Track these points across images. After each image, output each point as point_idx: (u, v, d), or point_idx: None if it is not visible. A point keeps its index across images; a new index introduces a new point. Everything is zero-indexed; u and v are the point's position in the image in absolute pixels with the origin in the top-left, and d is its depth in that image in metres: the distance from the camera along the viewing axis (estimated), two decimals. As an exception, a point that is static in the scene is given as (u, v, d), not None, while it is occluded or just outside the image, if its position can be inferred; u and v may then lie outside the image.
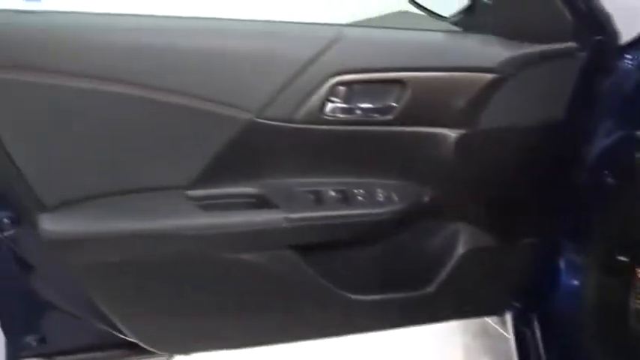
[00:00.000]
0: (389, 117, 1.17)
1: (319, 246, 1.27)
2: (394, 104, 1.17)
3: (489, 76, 1.16)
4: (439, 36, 1.21)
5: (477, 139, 1.22)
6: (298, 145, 1.19)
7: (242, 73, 1.11)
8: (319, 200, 1.22)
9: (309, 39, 1.14)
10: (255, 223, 1.19)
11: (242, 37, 1.14)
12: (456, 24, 1.30)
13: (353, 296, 1.32)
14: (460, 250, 1.36)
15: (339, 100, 1.15)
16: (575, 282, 1.38)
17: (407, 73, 1.15)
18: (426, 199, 1.28)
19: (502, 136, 1.23)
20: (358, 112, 1.17)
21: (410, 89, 1.15)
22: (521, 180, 1.30)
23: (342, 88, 1.14)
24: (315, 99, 1.13)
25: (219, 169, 1.16)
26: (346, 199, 1.24)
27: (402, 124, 1.19)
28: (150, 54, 1.07)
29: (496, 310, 1.59)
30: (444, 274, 1.36)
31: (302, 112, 1.13)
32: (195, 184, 1.17)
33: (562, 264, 1.39)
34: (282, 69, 1.12)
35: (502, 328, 1.85)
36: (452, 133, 1.21)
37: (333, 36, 1.13)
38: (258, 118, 1.12)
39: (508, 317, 1.58)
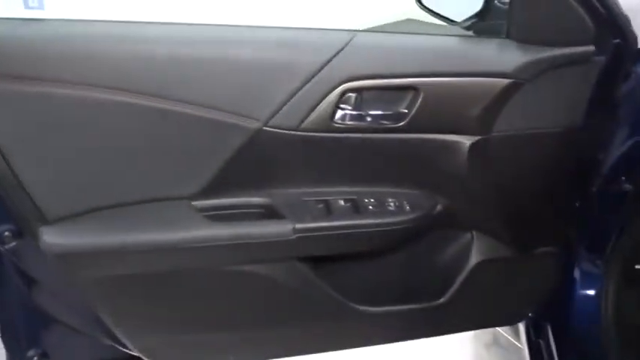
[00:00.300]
0: (401, 124, 1.15)
1: (329, 257, 1.25)
2: (406, 111, 1.14)
3: (505, 81, 1.13)
4: (452, 41, 1.19)
5: (492, 146, 1.19)
6: (307, 153, 1.16)
7: (250, 81, 1.09)
8: (329, 210, 1.20)
9: (318, 45, 1.12)
10: (263, 234, 1.16)
11: (250, 44, 1.11)
12: (468, 29, 1.27)
13: (364, 308, 1.29)
14: (474, 260, 1.33)
15: (349, 108, 1.12)
16: (592, 292, 1.36)
17: (419, 78, 1.13)
18: (439, 208, 1.25)
19: (517, 142, 1.21)
20: (369, 119, 1.14)
21: (422, 95, 1.13)
22: (537, 188, 1.28)
23: (352, 95, 1.12)
24: (324, 106, 1.11)
25: (227, 179, 1.14)
26: (357, 208, 1.21)
27: (414, 131, 1.16)
28: (155, 62, 1.05)
29: (510, 321, 1.58)
30: (457, 284, 1.34)
31: (311, 120, 1.11)
32: (202, 194, 1.14)
33: (578, 273, 1.37)
34: (290, 76, 1.09)
35: (514, 338, 1.83)
36: (466, 140, 1.18)
37: (343, 42, 1.11)
38: (266, 126, 1.10)
39: (521, 327, 1.55)
